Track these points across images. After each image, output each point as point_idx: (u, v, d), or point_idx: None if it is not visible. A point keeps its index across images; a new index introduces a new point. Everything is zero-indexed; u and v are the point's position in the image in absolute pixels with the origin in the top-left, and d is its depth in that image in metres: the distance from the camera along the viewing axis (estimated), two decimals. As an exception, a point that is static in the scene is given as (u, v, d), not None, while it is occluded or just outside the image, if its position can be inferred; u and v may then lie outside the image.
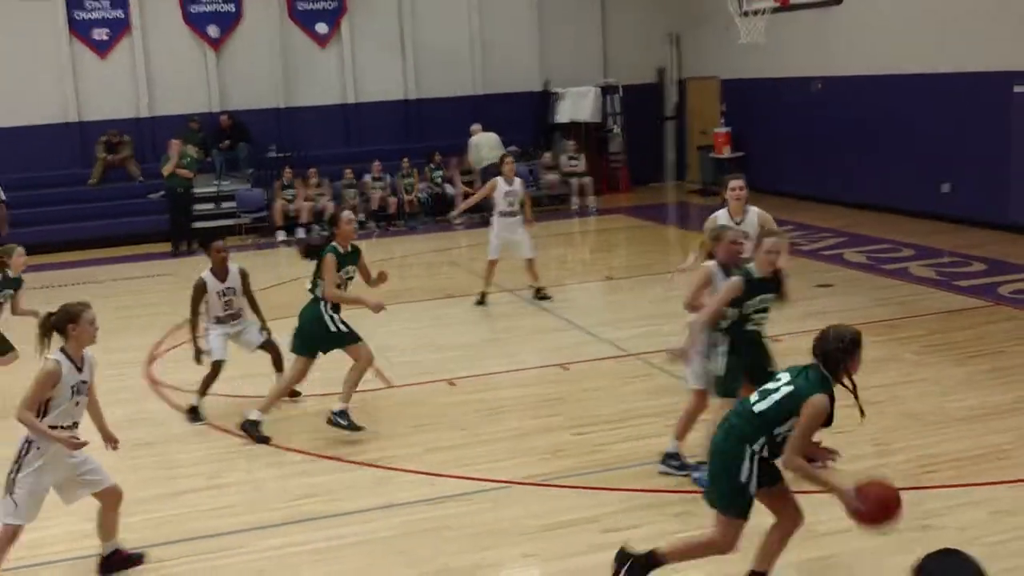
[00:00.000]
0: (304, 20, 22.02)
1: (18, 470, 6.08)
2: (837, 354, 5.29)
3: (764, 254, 6.89)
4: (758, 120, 21.34)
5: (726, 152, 21.89)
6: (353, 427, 8.66)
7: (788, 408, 5.29)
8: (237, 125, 21.17)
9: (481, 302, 13.04)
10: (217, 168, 20.90)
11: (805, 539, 6.34)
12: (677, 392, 8.89)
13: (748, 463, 5.36)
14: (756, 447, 5.35)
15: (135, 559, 6.55)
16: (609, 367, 10.12)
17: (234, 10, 21.55)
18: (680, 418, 7.52)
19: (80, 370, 6.16)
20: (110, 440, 6.53)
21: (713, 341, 7.04)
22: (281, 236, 19.58)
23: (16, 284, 10.05)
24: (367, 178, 20.66)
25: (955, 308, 11.58)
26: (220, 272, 9.33)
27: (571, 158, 21.95)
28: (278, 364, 9.50)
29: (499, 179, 12.99)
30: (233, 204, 20.45)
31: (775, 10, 18.85)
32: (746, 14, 18.76)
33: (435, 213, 20.77)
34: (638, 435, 8.26)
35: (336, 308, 8.82)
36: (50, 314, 6.25)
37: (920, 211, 16.99)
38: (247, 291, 9.47)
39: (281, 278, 16.60)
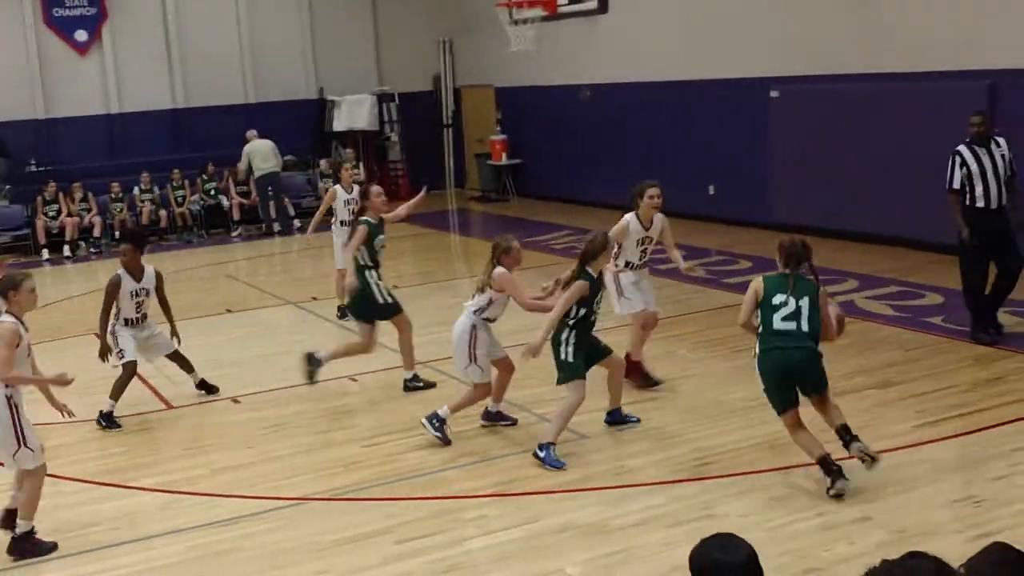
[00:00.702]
0: (62, 27, 20.98)
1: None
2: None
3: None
4: (533, 127, 21.75)
5: (504, 159, 22.22)
6: (428, 385, 9.65)
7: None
8: (-9, 138, 20.00)
9: (343, 315, 12.32)
10: (-29, 185, 19.71)
11: (599, 534, 6.51)
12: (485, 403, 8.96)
13: None
14: None
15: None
16: (398, 377, 10.07)
17: (-18, 16, 20.37)
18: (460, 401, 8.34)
19: (27, 330, 6.81)
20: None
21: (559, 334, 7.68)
22: (46, 255, 18.59)
23: None
24: (136, 191, 19.87)
25: (724, 304, 12.08)
26: (135, 272, 9.35)
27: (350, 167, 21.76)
28: (187, 367, 9.91)
29: (338, 187, 12.73)
30: (-10, 222, 19.32)
31: (544, 18, 19.26)
32: (516, 22, 19.11)
33: (210, 226, 20.21)
34: (429, 443, 8.25)
35: (379, 273, 9.66)
36: None
37: (690, 213, 17.68)
38: (160, 293, 9.57)
39: (45, 299, 15.80)
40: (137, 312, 9.45)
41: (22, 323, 6.79)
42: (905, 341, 10.24)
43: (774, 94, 15.97)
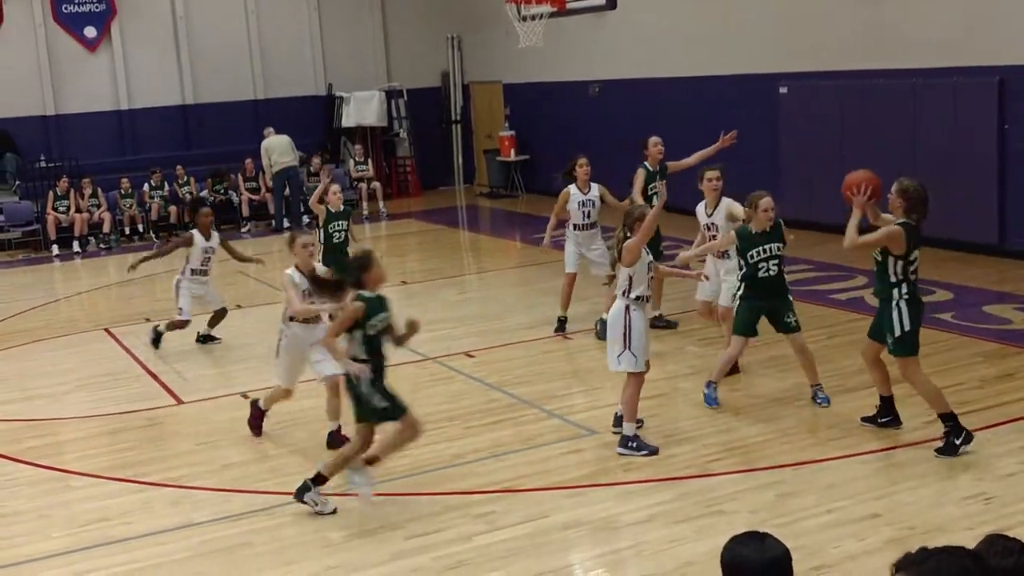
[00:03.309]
0: (71, 23, 21.02)
1: None
2: None
3: (761, 212, 8.16)
4: (541, 123, 21.74)
5: (512, 155, 22.23)
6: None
7: None
8: (1, 134, 20.03)
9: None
10: (-18, 180, 19.77)
11: (607, 530, 6.52)
12: (476, 395, 9.00)
13: None
14: None
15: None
16: (408, 372, 10.08)
17: (-7, 13, 20.41)
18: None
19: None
20: None
21: None
22: (56, 251, 18.64)
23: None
24: (146, 187, 19.91)
25: (734, 300, 12.07)
26: (206, 232, 11.23)
27: (359, 163, 21.79)
28: (215, 322, 11.48)
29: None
30: (1, 218, 19.35)
31: (552, 15, 19.25)
32: (524, 19, 19.10)
33: (220, 222, 20.22)
34: (439, 439, 8.26)
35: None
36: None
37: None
38: (229, 248, 11.49)
39: (55, 294, 15.86)
40: (203, 266, 11.16)
41: (303, 274, 8.02)
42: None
43: (783, 90, 15.95)
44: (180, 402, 9.77)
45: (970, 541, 3.36)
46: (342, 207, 11.49)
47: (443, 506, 7.06)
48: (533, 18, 18.81)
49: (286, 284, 8.10)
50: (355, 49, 23.31)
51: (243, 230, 19.99)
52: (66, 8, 20.93)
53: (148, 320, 12.95)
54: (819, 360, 8.40)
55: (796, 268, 13.45)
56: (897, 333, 7.29)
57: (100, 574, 6.42)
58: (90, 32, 21.19)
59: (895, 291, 7.30)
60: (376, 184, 21.48)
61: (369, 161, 21.89)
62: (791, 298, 8.48)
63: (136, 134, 21.55)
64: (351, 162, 21.91)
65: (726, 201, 9.46)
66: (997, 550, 3.13)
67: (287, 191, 20.18)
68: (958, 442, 7.23)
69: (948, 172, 13.60)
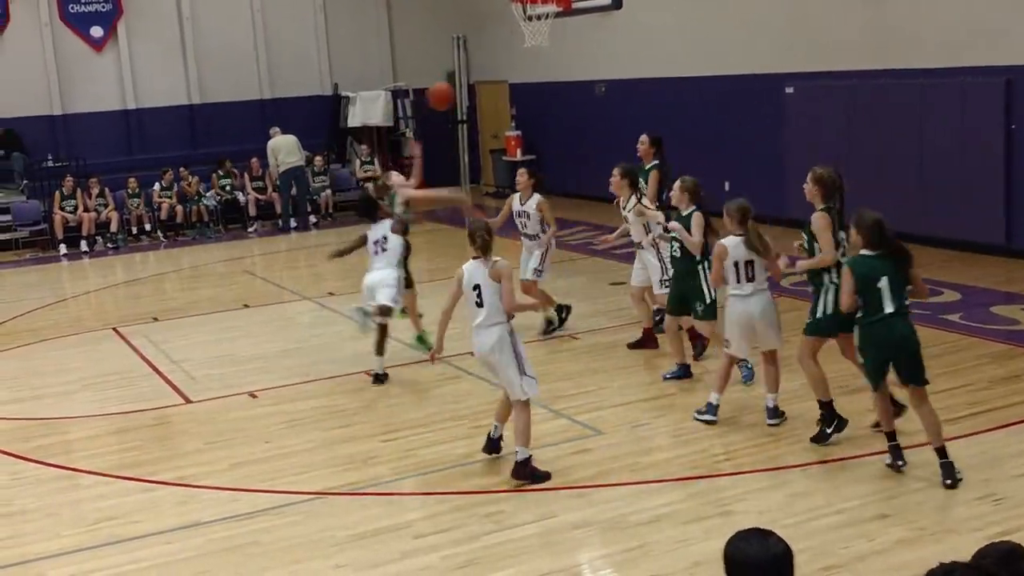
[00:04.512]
0: (77, 23, 21.03)
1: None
2: None
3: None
4: (547, 123, 21.74)
5: (518, 155, 22.22)
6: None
7: None
8: (9, 134, 20.07)
9: None
10: (-11, 180, 19.80)
11: (615, 530, 6.52)
12: (483, 394, 9.00)
13: None
14: None
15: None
16: (415, 371, 10.10)
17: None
18: None
19: None
20: None
21: None
22: (63, 250, 18.66)
23: None
24: (156, 187, 19.92)
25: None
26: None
27: (365, 163, 21.79)
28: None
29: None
30: (8, 217, 19.38)
31: (558, 14, 19.24)
32: (530, 18, 19.08)
33: (227, 221, 20.28)
34: (447, 438, 8.28)
35: None
36: None
37: (706, 210, 17.65)
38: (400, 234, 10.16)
39: (62, 293, 15.89)
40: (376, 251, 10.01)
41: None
42: (922, 338, 10.14)
43: (789, 90, 15.94)
44: (188, 401, 9.78)
45: (980, 542, 3.37)
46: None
47: (451, 506, 7.06)
48: (539, 17, 18.79)
49: (506, 275, 7.29)
50: (361, 48, 23.32)
51: (250, 229, 20.01)
52: (73, 8, 20.95)
53: (156, 320, 12.96)
54: (824, 360, 8.34)
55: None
56: (818, 315, 7.62)
57: (108, 573, 6.43)
58: (96, 32, 21.21)
59: (826, 277, 7.61)
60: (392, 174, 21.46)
61: (375, 160, 21.89)
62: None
63: (143, 134, 21.56)
64: (357, 162, 21.92)
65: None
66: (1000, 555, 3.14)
67: (294, 190, 20.22)
68: (829, 431, 7.60)
69: (954, 172, 13.59)
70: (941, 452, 6.82)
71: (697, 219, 8.94)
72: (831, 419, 7.66)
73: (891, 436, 7.06)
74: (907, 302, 6.92)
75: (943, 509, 6.52)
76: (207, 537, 6.81)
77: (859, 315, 6.92)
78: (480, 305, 7.25)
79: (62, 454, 8.52)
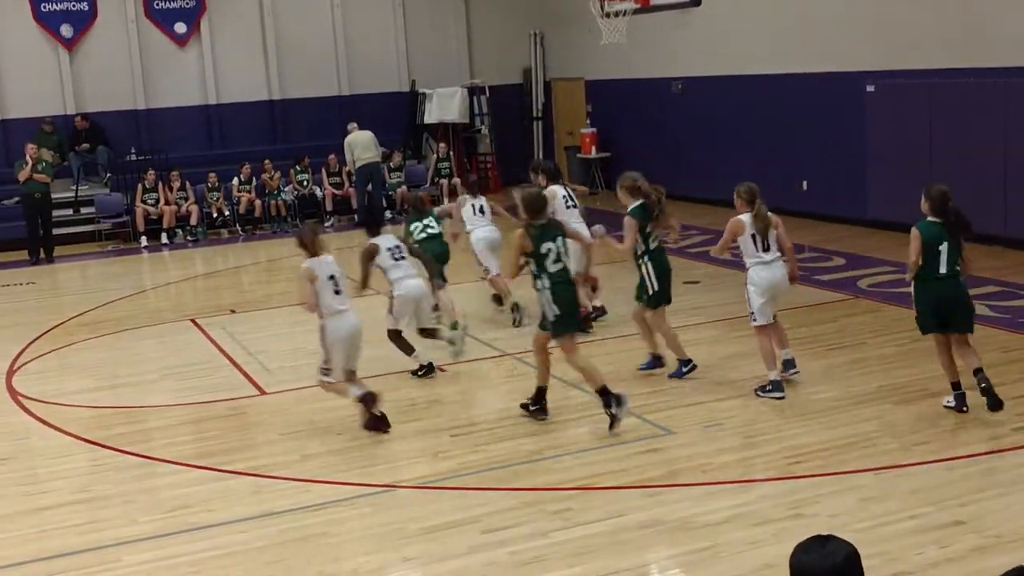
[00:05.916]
0: (161, 19, 21.45)
1: None
2: None
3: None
4: (623, 120, 21.64)
5: (593, 152, 22.18)
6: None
7: None
8: (94, 127, 20.52)
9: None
10: (74, 173, 20.23)
11: (684, 530, 6.48)
12: (553, 391, 8.96)
13: None
14: None
15: None
16: (486, 368, 10.13)
17: (87, 9, 20.86)
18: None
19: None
20: None
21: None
22: (144, 242, 19.04)
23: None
24: (235, 181, 20.23)
25: (816, 302, 11.93)
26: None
27: (441, 159, 21.88)
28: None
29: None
30: (92, 210, 19.83)
31: (636, 11, 19.14)
32: (608, 15, 19.01)
33: (303, 216, 20.51)
34: (516, 434, 8.29)
35: None
36: None
37: (780, 208, 17.37)
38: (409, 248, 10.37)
39: (142, 285, 16.20)
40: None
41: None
42: (1003, 342, 9.97)
43: (870, 89, 15.68)
44: (263, 392, 9.92)
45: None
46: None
47: (520, 501, 7.07)
48: (616, 15, 18.72)
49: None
50: (438, 46, 23.44)
51: (326, 224, 20.20)
52: (157, 4, 21.37)
53: (233, 312, 13.16)
54: (902, 364, 8.23)
55: (876, 271, 13.24)
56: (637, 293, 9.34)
57: (182, 559, 6.55)
58: (180, 28, 21.60)
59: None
60: (456, 180, 21.55)
61: (451, 157, 21.97)
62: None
63: (223, 128, 21.93)
64: (433, 158, 22.02)
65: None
66: None
67: (370, 186, 20.37)
68: (613, 410, 8.05)
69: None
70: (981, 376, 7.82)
71: (628, 222, 9.50)
72: (608, 400, 8.08)
73: (956, 385, 7.96)
74: (958, 267, 7.82)
75: (1020, 517, 6.37)
76: (279, 527, 6.91)
77: (918, 273, 7.82)
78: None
79: (140, 442, 8.70)
